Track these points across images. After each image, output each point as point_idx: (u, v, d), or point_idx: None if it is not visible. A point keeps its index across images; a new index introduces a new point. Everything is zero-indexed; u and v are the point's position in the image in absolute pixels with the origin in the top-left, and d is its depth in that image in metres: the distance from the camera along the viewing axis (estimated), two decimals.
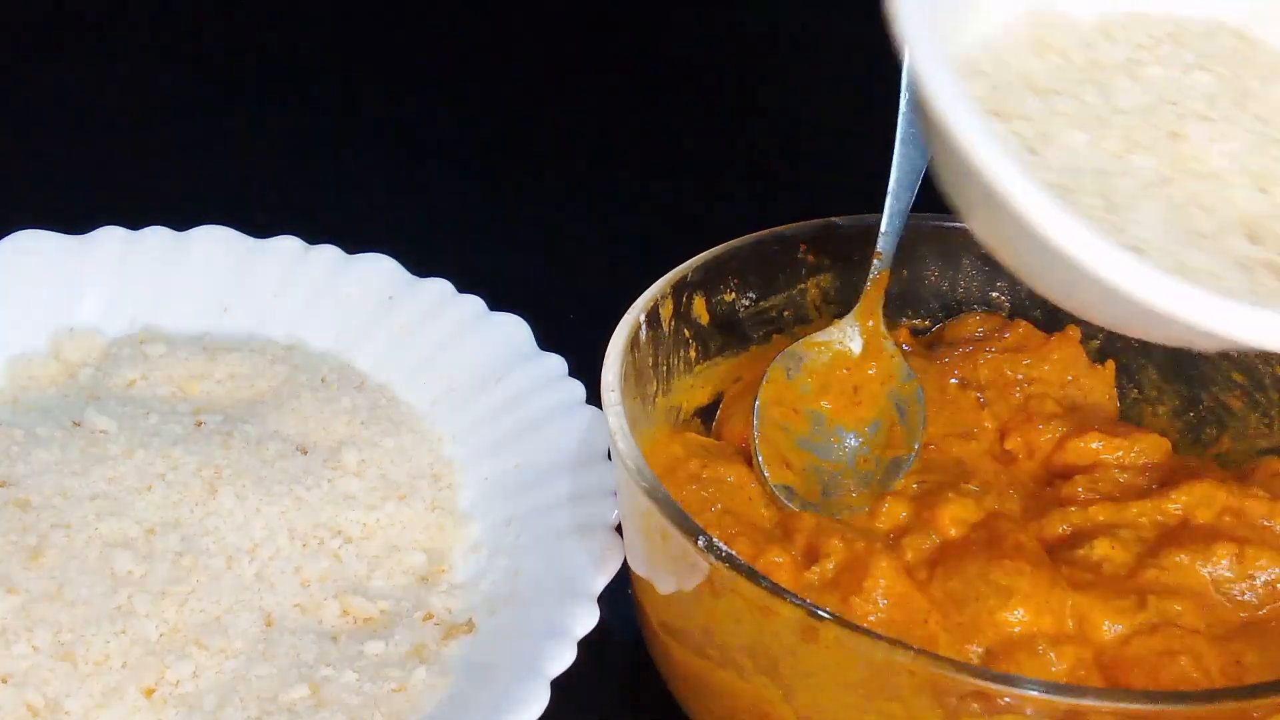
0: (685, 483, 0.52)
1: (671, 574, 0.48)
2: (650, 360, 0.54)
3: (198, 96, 0.87)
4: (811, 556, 0.50)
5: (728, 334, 0.58)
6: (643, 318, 0.53)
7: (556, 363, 0.62)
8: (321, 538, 0.55)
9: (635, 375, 0.52)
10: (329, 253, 0.66)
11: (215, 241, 0.66)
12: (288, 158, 0.81)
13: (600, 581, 0.52)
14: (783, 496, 0.53)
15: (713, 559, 0.44)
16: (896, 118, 0.54)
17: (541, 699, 0.48)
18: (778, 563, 0.49)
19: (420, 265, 0.66)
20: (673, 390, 0.56)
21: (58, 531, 0.52)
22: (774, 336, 0.59)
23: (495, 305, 0.64)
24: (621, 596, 0.53)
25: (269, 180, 0.79)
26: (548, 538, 0.55)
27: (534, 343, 0.63)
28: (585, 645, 0.50)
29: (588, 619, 0.50)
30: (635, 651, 0.53)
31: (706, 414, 0.58)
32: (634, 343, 0.52)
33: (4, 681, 0.48)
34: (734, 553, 0.45)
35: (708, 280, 0.57)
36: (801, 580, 0.49)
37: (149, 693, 0.49)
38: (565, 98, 0.90)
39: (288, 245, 0.66)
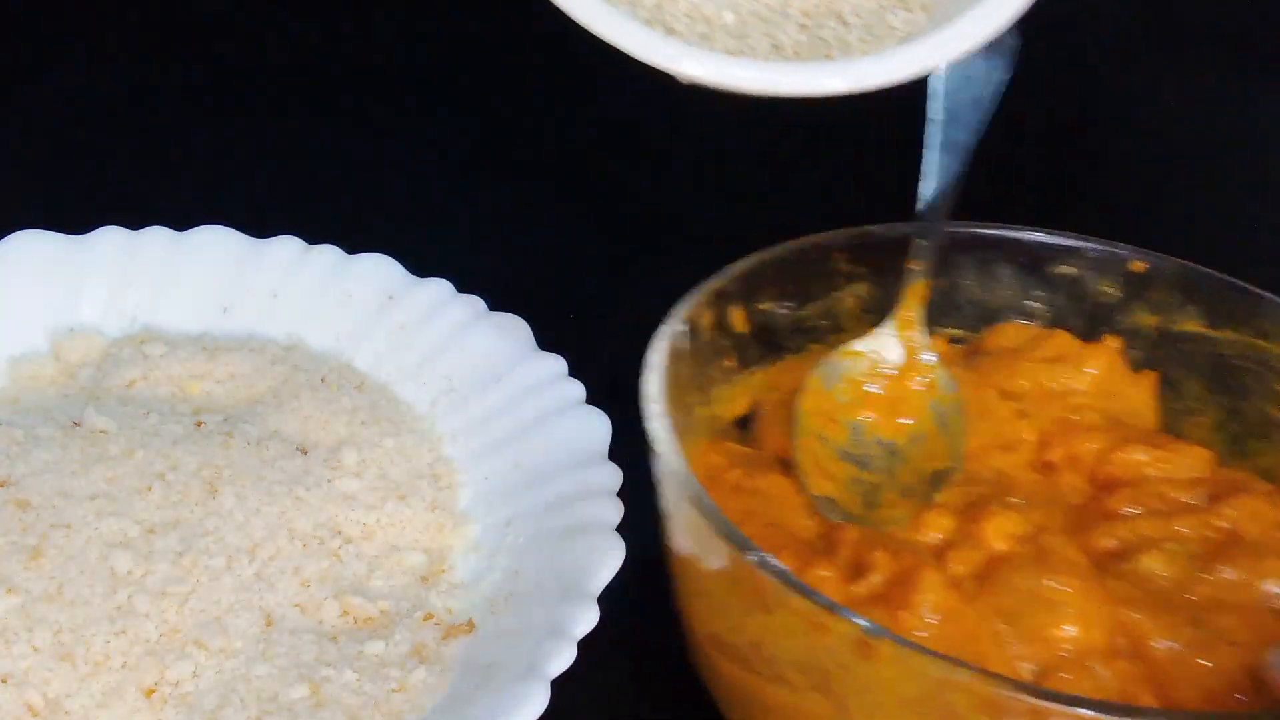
0: (727, 494, 0.52)
1: (720, 589, 0.47)
2: (689, 370, 0.54)
3: (198, 97, 0.87)
4: (857, 570, 0.49)
5: (765, 343, 0.57)
6: (683, 328, 0.53)
7: (556, 363, 0.62)
8: (321, 538, 0.55)
9: (676, 386, 0.52)
10: (329, 253, 0.66)
11: (215, 241, 0.66)
12: (288, 158, 0.81)
13: (600, 581, 0.52)
14: (824, 508, 0.52)
15: (766, 575, 0.44)
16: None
17: (541, 699, 0.47)
18: (824, 576, 0.48)
19: (420, 265, 0.66)
20: (711, 400, 0.56)
21: (58, 531, 0.52)
22: (811, 346, 0.58)
23: (495, 305, 0.64)
24: (621, 596, 0.53)
25: (269, 180, 0.79)
26: (548, 538, 0.55)
27: (534, 343, 0.63)
28: (585, 645, 0.50)
29: (588, 619, 0.50)
30: (635, 651, 0.53)
31: (742, 424, 0.57)
32: (674, 353, 0.52)
33: (4, 681, 0.48)
34: (788, 569, 0.44)
35: (746, 289, 0.56)
36: (848, 594, 0.48)
37: (149, 693, 0.49)
38: (567, 97, 0.89)
39: (288, 245, 0.66)
